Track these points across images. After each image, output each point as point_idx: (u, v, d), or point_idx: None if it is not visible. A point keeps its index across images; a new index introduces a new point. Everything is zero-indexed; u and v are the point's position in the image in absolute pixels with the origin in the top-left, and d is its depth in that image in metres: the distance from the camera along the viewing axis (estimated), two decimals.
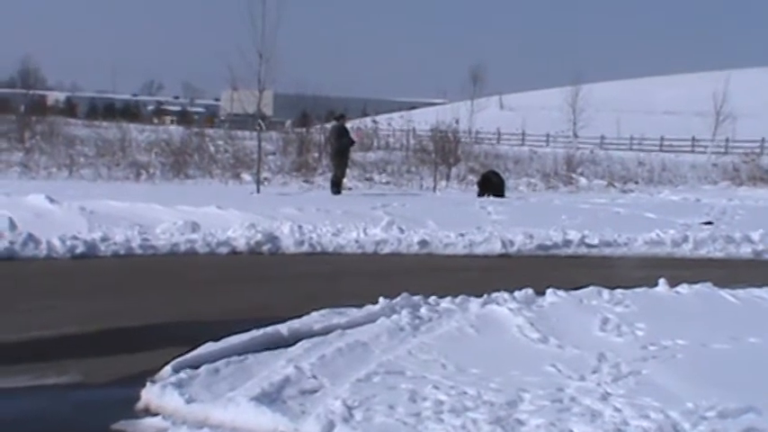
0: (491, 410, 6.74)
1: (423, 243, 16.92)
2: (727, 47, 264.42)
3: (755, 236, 18.63)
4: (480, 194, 27.30)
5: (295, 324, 9.44)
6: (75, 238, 15.13)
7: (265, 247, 16.09)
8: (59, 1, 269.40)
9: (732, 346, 8.82)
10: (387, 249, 16.69)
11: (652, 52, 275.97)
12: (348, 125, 28.33)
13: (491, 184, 27.94)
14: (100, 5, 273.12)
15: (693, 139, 66.27)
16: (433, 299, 10.49)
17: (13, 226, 15.27)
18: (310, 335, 9.01)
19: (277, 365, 7.78)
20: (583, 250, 17.46)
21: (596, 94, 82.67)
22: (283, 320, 9.45)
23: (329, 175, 28.63)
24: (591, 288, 11.18)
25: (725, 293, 11.37)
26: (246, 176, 31.34)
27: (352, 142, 27.11)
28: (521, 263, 16.16)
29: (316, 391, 7.20)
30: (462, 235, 17.43)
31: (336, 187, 25.88)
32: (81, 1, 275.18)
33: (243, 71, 26.25)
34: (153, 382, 7.41)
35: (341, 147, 26.10)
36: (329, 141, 28.17)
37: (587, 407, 6.86)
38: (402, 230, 17.49)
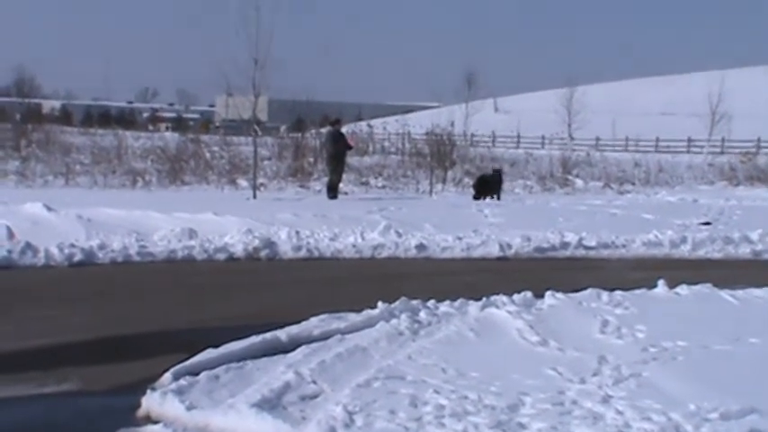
0: (492, 414, 6.73)
1: (420, 247, 16.91)
2: (721, 47, 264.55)
3: (754, 236, 18.64)
4: (476, 197, 27.29)
5: (294, 330, 9.42)
6: (72, 245, 15.11)
7: (263, 253, 16.08)
8: (54, 9, 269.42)
9: (733, 347, 8.81)
10: (384, 254, 16.67)
11: (647, 53, 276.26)
12: (343, 129, 28.30)
13: (487, 186, 27.93)
14: (94, 13, 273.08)
15: (689, 140, 66.39)
16: (431, 303, 10.47)
17: (10, 234, 15.26)
18: (309, 340, 9.00)
19: (277, 371, 7.76)
20: (581, 252, 17.46)
21: (591, 95, 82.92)
22: (282, 326, 9.43)
23: (325, 179, 28.62)
24: (590, 290, 11.17)
25: (725, 294, 11.37)
26: (243, 182, 31.33)
27: (350, 147, 27.12)
28: (519, 266, 16.15)
29: (316, 397, 7.18)
30: (460, 238, 17.43)
31: (333, 192, 25.88)
32: (75, 9, 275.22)
33: (237, 77, 26.25)
34: (153, 389, 7.39)
35: (337, 151, 26.10)
36: (325, 146, 28.16)
37: (589, 410, 6.85)
38: (399, 234, 17.50)
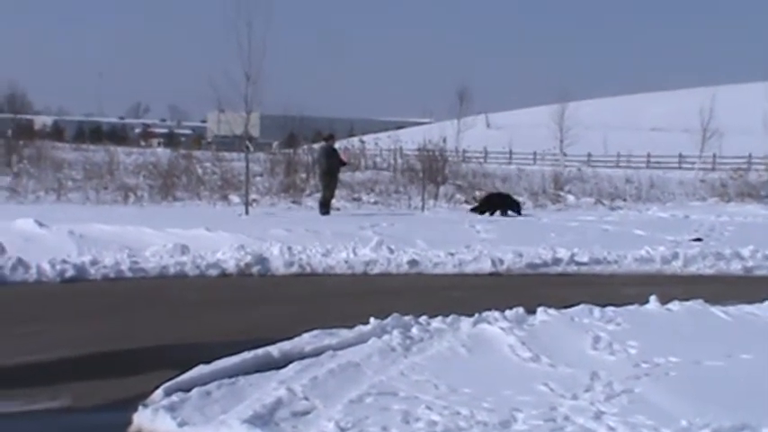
0: (484, 430, 6.73)
1: (412, 263, 16.91)
2: (713, 63, 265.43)
3: (745, 252, 18.66)
4: (479, 211, 27.40)
5: (286, 346, 9.42)
6: (64, 261, 15.09)
7: (255, 269, 16.07)
8: (45, 25, 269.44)
9: (725, 362, 8.81)
10: (376, 269, 16.68)
11: (639, 69, 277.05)
12: (336, 145, 28.27)
13: (493, 203, 28.13)
14: (86, 29, 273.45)
15: (680, 156, 66.45)
16: (423, 319, 10.46)
17: (2, 250, 15.23)
18: (301, 356, 8.99)
19: (269, 387, 7.75)
20: (573, 268, 17.47)
21: (583, 111, 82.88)
22: (274, 342, 9.42)
23: (317, 195, 28.58)
24: (582, 306, 11.16)
25: (716, 310, 11.37)
26: (235, 198, 31.22)
27: (344, 163, 27.12)
28: (511, 281, 16.17)
29: (308, 413, 7.17)
30: (452, 254, 17.43)
31: (325, 208, 25.84)
32: (67, 25, 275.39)
33: (230, 93, 26.23)
34: (145, 405, 7.37)
35: (330, 167, 26.08)
36: (318, 162, 28.08)
37: (581, 426, 6.84)
38: (391, 250, 17.48)
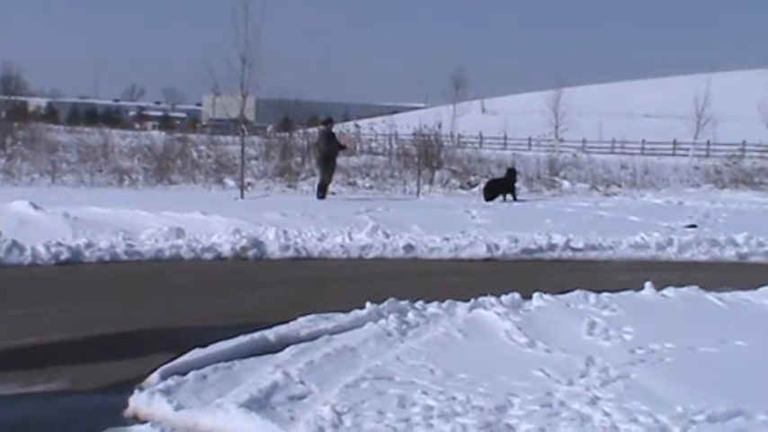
0: (480, 415, 6.74)
1: (408, 247, 16.91)
2: (708, 50, 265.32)
3: (740, 238, 18.67)
4: (487, 199, 27.39)
5: (282, 330, 9.41)
6: (59, 244, 15.08)
7: (250, 253, 16.06)
8: (41, 6, 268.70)
9: (720, 349, 8.83)
10: (372, 254, 16.68)
11: (633, 56, 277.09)
12: (333, 130, 28.23)
13: (498, 188, 28.17)
14: (81, 11, 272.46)
15: (675, 142, 66.49)
16: (419, 303, 10.48)
17: None
18: (297, 340, 8.98)
19: (265, 371, 7.76)
20: (568, 254, 17.47)
21: (578, 97, 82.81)
22: (270, 326, 9.41)
23: (312, 179, 28.55)
24: (577, 292, 11.19)
25: (711, 296, 11.40)
26: (230, 182, 31.21)
27: (343, 147, 27.11)
28: (506, 267, 16.17)
29: (304, 397, 7.17)
30: (447, 239, 17.43)
31: (322, 192, 25.85)
32: (62, 6, 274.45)
33: (225, 76, 26.24)
34: (141, 389, 7.38)
35: (329, 151, 26.07)
36: (318, 146, 28.00)
37: (576, 411, 6.86)
38: (387, 235, 17.49)
